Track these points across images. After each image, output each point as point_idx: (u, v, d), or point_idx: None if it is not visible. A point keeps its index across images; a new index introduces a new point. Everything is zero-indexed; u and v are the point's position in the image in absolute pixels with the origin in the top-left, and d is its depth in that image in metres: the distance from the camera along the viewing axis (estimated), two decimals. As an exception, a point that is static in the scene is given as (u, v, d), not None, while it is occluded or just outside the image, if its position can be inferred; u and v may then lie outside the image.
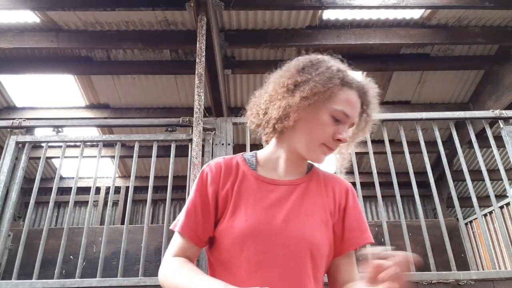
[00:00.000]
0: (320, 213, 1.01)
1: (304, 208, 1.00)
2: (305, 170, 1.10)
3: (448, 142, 6.98)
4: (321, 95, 0.97)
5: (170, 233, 3.15)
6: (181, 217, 1.02)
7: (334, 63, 1.03)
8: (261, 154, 1.11)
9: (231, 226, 0.95)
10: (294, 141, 1.02)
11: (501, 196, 9.11)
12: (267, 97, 1.05)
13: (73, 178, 2.96)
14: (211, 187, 1.01)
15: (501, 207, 5.73)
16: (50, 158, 7.80)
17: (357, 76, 1.05)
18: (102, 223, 8.35)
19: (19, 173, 2.90)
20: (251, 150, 3.40)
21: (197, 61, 3.28)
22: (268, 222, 0.95)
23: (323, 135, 0.98)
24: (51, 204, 2.78)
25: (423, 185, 6.61)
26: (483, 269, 6.24)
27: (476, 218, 4.71)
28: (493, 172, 7.07)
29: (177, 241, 1.01)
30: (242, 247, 0.93)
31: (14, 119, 3.07)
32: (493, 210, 3.11)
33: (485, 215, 6.16)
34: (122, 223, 8.07)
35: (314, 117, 0.99)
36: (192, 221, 0.99)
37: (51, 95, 6.46)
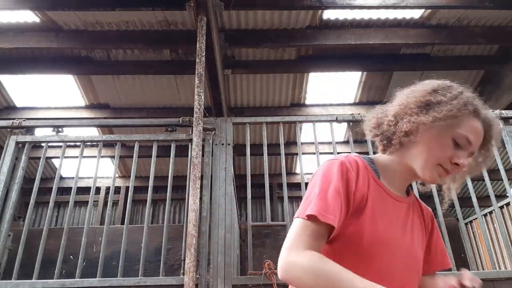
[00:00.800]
0: (423, 236, 1.12)
1: (416, 229, 1.10)
2: (405, 190, 1.15)
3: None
4: (453, 118, 1.00)
5: (170, 233, 3.16)
6: (317, 202, 0.93)
7: (466, 90, 1.06)
8: (379, 162, 1.12)
9: (369, 231, 0.98)
10: (413, 157, 1.05)
11: (501, 196, 9.11)
12: (397, 110, 1.07)
13: (73, 178, 2.96)
14: (352, 180, 0.99)
15: (501, 207, 5.73)
16: (50, 158, 7.80)
17: (485, 108, 1.07)
18: (102, 223, 8.35)
19: (19, 173, 2.90)
20: (251, 150, 3.39)
21: (197, 61, 3.28)
22: (400, 239, 1.02)
23: (442, 156, 1.00)
24: (51, 204, 2.78)
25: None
26: (483, 269, 6.24)
27: (476, 218, 4.71)
28: (493, 172, 7.06)
29: (309, 229, 0.91)
30: (375, 255, 0.97)
31: (14, 119, 3.07)
32: (493, 210, 3.11)
33: (485, 215, 6.16)
34: (122, 223, 8.07)
35: (437, 137, 1.01)
36: (335, 208, 0.93)
37: (51, 95, 6.45)
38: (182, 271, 2.51)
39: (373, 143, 3.19)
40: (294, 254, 0.88)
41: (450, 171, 1.02)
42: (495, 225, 6.00)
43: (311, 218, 0.91)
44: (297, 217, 0.95)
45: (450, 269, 1.16)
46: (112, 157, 7.69)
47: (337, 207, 0.93)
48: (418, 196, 1.22)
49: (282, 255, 0.91)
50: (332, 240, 0.96)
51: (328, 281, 0.83)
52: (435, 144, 1.01)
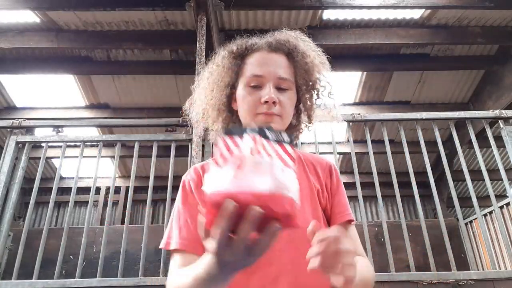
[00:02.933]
0: (309, 196, 0.98)
1: (309, 187, 0.99)
2: None
3: (448, 142, 6.98)
4: (220, 78, 1.02)
5: (170, 233, 3.14)
6: (172, 233, 0.92)
7: (230, 46, 1.07)
8: None
9: None
10: (243, 122, 1.02)
11: (501, 196, 9.11)
12: (196, 102, 1.16)
13: (73, 178, 2.96)
14: (196, 192, 0.95)
15: (501, 207, 5.72)
16: (50, 158, 7.80)
17: (270, 36, 1.05)
18: (102, 223, 8.35)
19: (19, 173, 2.90)
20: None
21: (197, 61, 3.28)
22: None
23: (250, 105, 0.97)
24: (51, 204, 2.78)
25: (423, 185, 6.60)
26: (483, 269, 6.24)
27: (476, 218, 4.71)
28: (493, 172, 7.06)
29: (178, 262, 0.88)
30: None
31: (14, 119, 3.07)
32: (493, 210, 3.11)
33: (485, 215, 6.15)
34: (122, 223, 8.07)
35: (238, 96, 1.01)
36: (188, 233, 0.90)
37: (51, 95, 6.45)
38: (182, 271, 2.51)
39: (373, 141, 3.20)
40: (168, 284, 0.83)
41: (270, 112, 0.94)
42: (495, 225, 6.00)
43: (175, 248, 0.89)
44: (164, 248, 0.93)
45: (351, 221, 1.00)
46: (112, 157, 7.69)
47: (185, 230, 0.90)
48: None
49: None
50: None
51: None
52: (240, 101, 0.99)
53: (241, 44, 1.03)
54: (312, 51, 1.05)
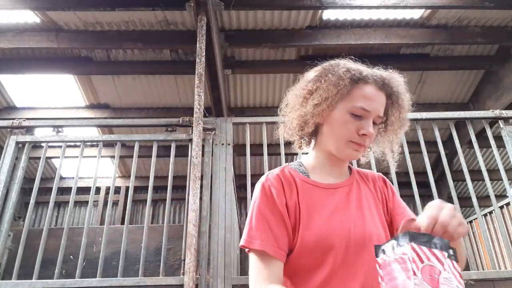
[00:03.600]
0: (376, 207, 1.08)
1: (365, 206, 1.06)
2: (348, 171, 1.15)
3: (448, 142, 6.98)
4: (334, 97, 1.02)
5: (170, 233, 3.16)
6: (255, 233, 0.97)
7: (344, 65, 1.07)
8: (307, 162, 1.14)
9: (305, 235, 0.97)
10: (327, 145, 1.07)
11: (501, 196, 9.10)
12: (288, 110, 1.12)
13: (73, 178, 2.96)
14: (279, 199, 1.01)
15: (501, 207, 5.72)
16: (50, 158, 7.80)
17: (375, 70, 1.09)
18: (102, 223, 8.35)
19: (19, 173, 2.90)
20: (251, 150, 3.38)
21: (197, 61, 3.28)
22: (339, 228, 0.99)
23: (347, 133, 1.02)
24: (51, 204, 2.78)
25: (423, 185, 6.58)
26: (483, 269, 6.24)
27: (476, 218, 4.71)
28: (493, 172, 7.06)
29: (262, 263, 0.94)
30: (319, 255, 0.96)
31: (14, 119, 3.07)
32: (493, 210, 3.11)
33: (485, 215, 6.15)
34: (122, 223, 8.06)
35: (335, 118, 1.04)
36: (271, 236, 0.96)
37: (51, 95, 6.45)
38: (182, 271, 2.51)
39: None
40: None
41: (363, 143, 1.02)
42: (495, 225, 6.00)
43: (256, 251, 0.95)
44: (245, 247, 0.98)
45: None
46: (112, 157, 7.69)
47: (272, 235, 0.96)
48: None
49: None
50: (289, 252, 0.99)
51: None
52: (337, 124, 1.03)
53: (360, 72, 1.05)
54: (406, 94, 1.11)
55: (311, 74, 1.11)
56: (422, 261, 0.67)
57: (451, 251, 0.71)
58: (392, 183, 2.91)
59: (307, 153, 1.18)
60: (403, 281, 0.66)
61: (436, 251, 0.70)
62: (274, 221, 0.98)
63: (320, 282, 0.94)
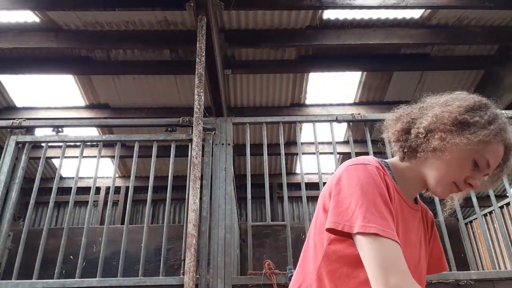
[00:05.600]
0: (426, 241, 1.12)
1: (423, 236, 1.10)
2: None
3: (448, 142, 6.98)
4: (485, 143, 0.96)
5: (170, 233, 3.16)
6: (370, 217, 0.85)
7: (500, 113, 1.03)
8: (394, 168, 1.07)
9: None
10: (429, 170, 1.01)
11: (501, 196, 9.10)
12: (430, 122, 1.01)
13: (73, 178, 2.96)
14: (386, 189, 0.94)
15: (501, 207, 5.72)
16: (50, 158, 7.81)
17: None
18: (102, 223, 8.35)
19: (19, 173, 2.90)
20: (251, 150, 3.38)
21: (197, 61, 3.28)
22: (413, 248, 1.03)
23: (459, 175, 0.98)
24: (51, 204, 2.78)
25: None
26: (483, 269, 6.24)
27: (476, 218, 4.71)
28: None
29: (396, 253, 0.83)
30: None
31: (14, 119, 3.07)
32: (493, 210, 3.11)
33: (485, 215, 6.15)
34: (122, 223, 8.06)
35: (459, 155, 0.97)
36: (385, 220, 0.86)
37: (51, 95, 6.45)
38: (182, 271, 2.51)
39: (373, 141, 3.20)
40: (409, 284, 0.79)
41: (462, 190, 1.01)
42: (495, 225, 6.00)
43: (379, 236, 0.83)
44: (363, 232, 0.84)
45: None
46: (112, 157, 7.69)
47: (391, 222, 0.88)
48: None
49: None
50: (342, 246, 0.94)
51: None
52: (456, 163, 0.97)
53: (509, 140, 1.00)
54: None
55: (469, 101, 1.04)
56: None
57: None
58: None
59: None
60: None
61: None
62: (386, 209, 0.89)
63: None
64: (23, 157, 2.93)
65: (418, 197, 1.15)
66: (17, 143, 2.93)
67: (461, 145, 0.95)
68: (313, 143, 3.03)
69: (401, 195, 1.02)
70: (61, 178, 8.55)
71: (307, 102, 6.83)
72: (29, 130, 3.09)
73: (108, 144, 5.90)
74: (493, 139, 0.96)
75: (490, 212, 6.07)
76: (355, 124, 3.22)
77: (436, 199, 2.81)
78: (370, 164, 0.96)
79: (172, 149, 2.94)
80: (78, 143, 3.08)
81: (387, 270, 0.79)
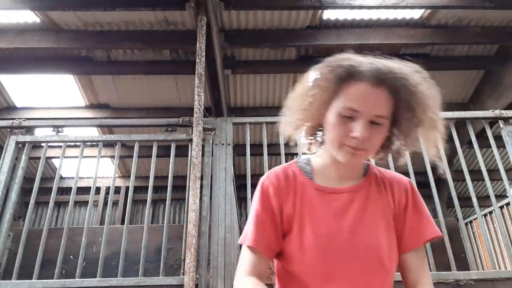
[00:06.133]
0: (384, 218, 1.01)
1: (367, 214, 0.99)
2: (362, 173, 1.07)
3: (448, 142, 6.97)
4: (321, 97, 0.96)
5: (170, 233, 3.16)
6: (249, 230, 1.00)
7: (340, 59, 0.97)
8: (315, 161, 1.09)
9: (300, 239, 0.96)
10: (327, 145, 1.02)
11: (501, 196, 9.10)
12: (299, 102, 1.04)
13: (73, 178, 2.96)
14: (275, 199, 1.01)
15: (501, 207, 5.73)
16: (50, 158, 7.80)
17: (379, 63, 0.96)
18: (102, 223, 8.35)
19: (19, 173, 2.90)
20: (251, 150, 3.38)
21: (197, 61, 3.28)
22: (335, 233, 0.96)
23: (338, 136, 0.94)
24: (51, 204, 2.78)
25: (423, 185, 6.58)
26: (483, 269, 6.24)
27: (476, 218, 4.71)
28: (493, 172, 7.05)
29: (248, 257, 0.98)
30: (312, 259, 0.94)
31: (14, 119, 3.07)
32: (493, 210, 3.11)
33: (485, 215, 6.15)
34: (122, 223, 8.06)
35: (327, 120, 0.97)
36: (263, 234, 0.98)
37: (51, 95, 6.45)
38: (182, 271, 2.51)
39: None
40: (237, 279, 0.97)
41: (357, 147, 0.92)
42: (495, 225, 6.00)
43: (250, 246, 0.98)
44: (241, 243, 1.02)
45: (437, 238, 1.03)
46: (112, 157, 7.69)
47: (264, 233, 0.99)
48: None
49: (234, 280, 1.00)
50: (279, 257, 1.01)
51: None
52: (329, 127, 0.96)
53: (347, 68, 0.94)
54: (423, 88, 0.97)
55: (313, 70, 1.02)
56: None
57: None
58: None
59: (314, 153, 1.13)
60: None
61: None
62: (268, 221, 1.00)
63: (313, 286, 0.94)
64: (23, 157, 2.93)
65: (379, 172, 1.08)
66: (17, 143, 2.93)
67: (320, 108, 0.97)
68: (313, 143, 3.02)
69: (315, 187, 1.02)
70: (61, 178, 8.54)
71: (307, 102, 6.82)
72: (29, 130, 3.09)
73: (108, 144, 5.89)
74: (329, 83, 0.94)
75: (490, 212, 6.08)
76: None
77: (436, 199, 2.81)
78: (264, 181, 1.05)
79: (172, 149, 2.94)
80: (78, 143, 3.08)
81: (237, 271, 0.98)
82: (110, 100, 6.69)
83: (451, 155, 6.94)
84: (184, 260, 2.49)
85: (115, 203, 8.95)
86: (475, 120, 3.11)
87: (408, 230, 1.02)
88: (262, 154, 2.99)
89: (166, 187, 2.85)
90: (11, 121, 3.02)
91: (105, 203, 8.91)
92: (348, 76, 0.93)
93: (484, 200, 8.54)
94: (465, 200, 8.96)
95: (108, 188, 8.86)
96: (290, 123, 1.07)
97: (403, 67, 1.00)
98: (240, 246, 1.04)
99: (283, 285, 1.01)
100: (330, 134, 0.97)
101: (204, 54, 3.36)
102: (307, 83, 1.00)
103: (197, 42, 3.42)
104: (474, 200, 2.82)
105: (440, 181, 7.79)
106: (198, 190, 2.67)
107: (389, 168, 1.25)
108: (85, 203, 8.84)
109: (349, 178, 1.04)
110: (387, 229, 1.00)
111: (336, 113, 0.94)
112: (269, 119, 3.13)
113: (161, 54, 5.79)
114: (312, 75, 1.00)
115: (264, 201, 1.01)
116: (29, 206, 2.77)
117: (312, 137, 1.07)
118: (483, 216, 6.03)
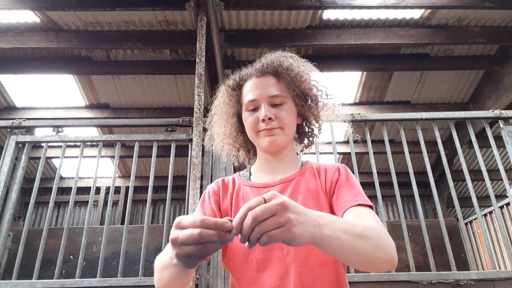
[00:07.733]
0: (315, 199, 1.04)
1: (300, 200, 1.04)
2: (298, 166, 1.15)
3: (448, 142, 6.98)
4: (226, 110, 1.19)
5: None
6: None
7: (231, 79, 1.20)
8: (253, 167, 1.22)
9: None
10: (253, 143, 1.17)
11: (501, 196, 9.11)
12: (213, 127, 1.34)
13: (73, 178, 2.96)
14: (213, 198, 1.12)
15: (501, 207, 5.72)
16: (50, 158, 7.80)
17: (262, 60, 1.20)
18: (102, 223, 8.35)
19: (19, 173, 2.90)
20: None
21: (197, 61, 3.28)
22: None
23: (252, 126, 1.10)
24: (51, 204, 2.78)
25: (423, 185, 6.60)
26: (483, 269, 6.24)
27: (476, 218, 4.71)
28: (493, 172, 7.06)
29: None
30: (246, 250, 0.98)
31: (14, 119, 3.07)
32: (493, 210, 3.11)
33: (485, 215, 6.15)
34: (122, 223, 8.07)
35: (244, 123, 1.15)
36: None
37: (51, 95, 6.45)
38: (182, 271, 2.50)
39: (373, 141, 3.20)
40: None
41: (270, 127, 1.07)
42: (495, 225, 6.00)
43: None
44: None
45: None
46: (112, 157, 7.69)
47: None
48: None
49: None
50: (224, 253, 1.05)
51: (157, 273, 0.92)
52: (246, 126, 1.13)
53: (235, 78, 1.18)
54: (296, 63, 1.17)
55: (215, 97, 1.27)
56: None
57: None
58: (392, 183, 2.90)
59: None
60: None
61: None
62: (206, 214, 1.06)
63: (251, 275, 0.97)
64: (23, 157, 2.93)
65: (316, 165, 1.15)
66: (17, 143, 2.93)
67: (227, 124, 1.22)
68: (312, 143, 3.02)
69: (251, 186, 1.11)
70: (61, 178, 8.55)
71: (307, 102, 6.82)
72: (29, 130, 3.09)
73: (108, 144, 5.90)
74: (229, 102, 1.18)
75: (490, 212, 6.08)
76: (355, 124, 3.22)
77: (436, 199, 2.81)
78: (207, 187, 1.18)
79: (172, 149, 2.94)
80: (78, 143, 3.08)
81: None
82: (110, 100, 6.69)
83: (451, 155, 6.95)
84: (184, 260, 2.48)
85: (115, 203, 8.95)
86: (475, 120, 3.11)
87: (341, 198, 1.02)
88: (262, 154, 2.99)
89: (166, 187, 2.85)
90: (11, 121, 3.02)
91: (105, 203, 8.91)
92: (239, 81, 1.17)
93: (484, 200, 8.55)
94: (465, 200, 9.00)
95: (108, 188, 8.86)
96: (223, 145, 1.26)
97: (272, 54, 1.21)
98: None
99: (232, 282, 1.05)
100: (248, 130, 1.13)
101: (204, 54, 3.36)
102: (215, 109, 1.25)
103: (197, 42, 3.42)
104: (474, 200, 2.82)
105: (440, 181, 7.82)
106: (198, 190, 2.67)
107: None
108: (85, 203, 8.84)
109: (284, 172, 1.13)
110: (320, 208, 1.02)
111: (244, 112, 1.13)
112: (269, 119, 3.12)
113: (161, 54, 5.79)
114: (215, 101, 1.25)
115: (202, 204, 1.12)
116: (29, 206, 2.77)
117: (244, 148, 1.25)
118: (483, 216, 6.03)
